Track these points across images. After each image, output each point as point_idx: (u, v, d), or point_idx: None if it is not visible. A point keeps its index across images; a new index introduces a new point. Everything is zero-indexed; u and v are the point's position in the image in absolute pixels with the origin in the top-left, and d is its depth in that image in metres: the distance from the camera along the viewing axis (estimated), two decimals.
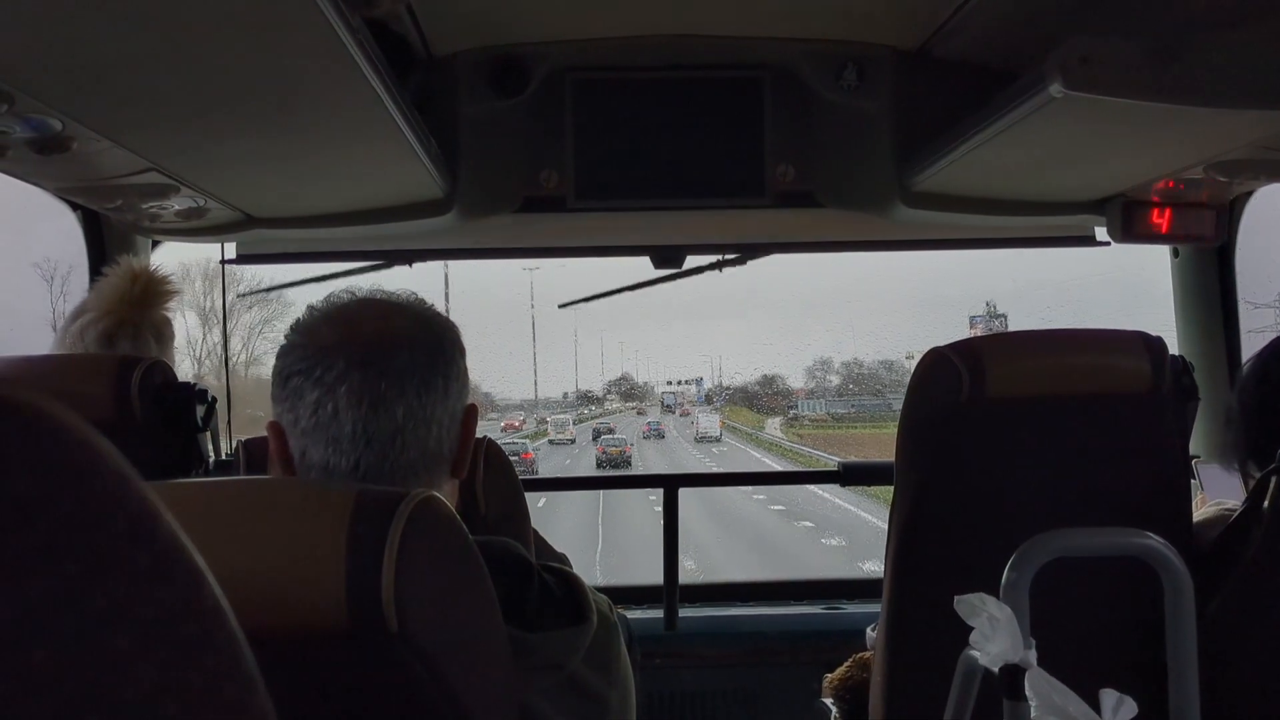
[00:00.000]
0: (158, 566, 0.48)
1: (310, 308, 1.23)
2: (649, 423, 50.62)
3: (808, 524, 20.56)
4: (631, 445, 38.01)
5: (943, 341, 1.81)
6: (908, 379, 1.88)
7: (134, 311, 2.14)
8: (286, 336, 1.21)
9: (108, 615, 0.45)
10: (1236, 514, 1.76)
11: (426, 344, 1.20)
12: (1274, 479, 1.65)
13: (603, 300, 3.35)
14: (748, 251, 3.24)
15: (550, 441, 42.72)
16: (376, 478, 1.16)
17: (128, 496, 0.47)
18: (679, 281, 3.15)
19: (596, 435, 40.98)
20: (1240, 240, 2.81)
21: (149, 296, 2.17)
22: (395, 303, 1.25)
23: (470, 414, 1.25)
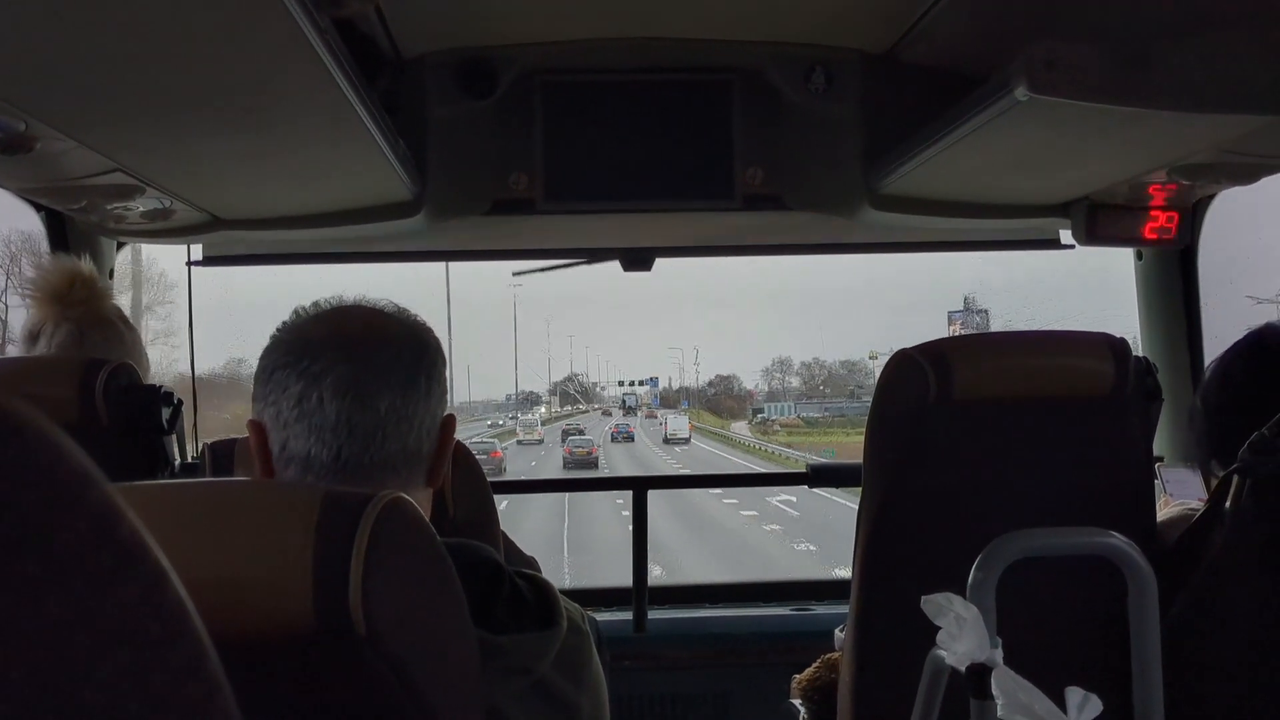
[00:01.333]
0: (119, 566, 0.47)
1: (297, 310, 1.26)
2: (616, 425, 49.78)
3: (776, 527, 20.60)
4: (599, 446, 37.82)
5: (909, 342, 1.82)
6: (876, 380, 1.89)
7: (78, 311, 2.12)
8: (272, 336, 1.23)
9: (68, 614, 0.44)
10: (1199, 514, 1.78)
11: (411, 345, 1.23)
12: (1235, 479, 1.67)
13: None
14: (717, 253, 3.25)
15: (519, 442, 42.62)
16: (356, 469, 1.16)
17: (89, 496, 0.47)
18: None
19: (565, 436, 40.69)
20: (1203, 243, 2.84)
21: (91, 297, 2.15)
22: (380, 308, 1.27)
23: (449, 423, 1.27)
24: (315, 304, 1.26)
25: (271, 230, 2.69)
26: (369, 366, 1.18)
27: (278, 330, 1.23)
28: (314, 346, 1.18)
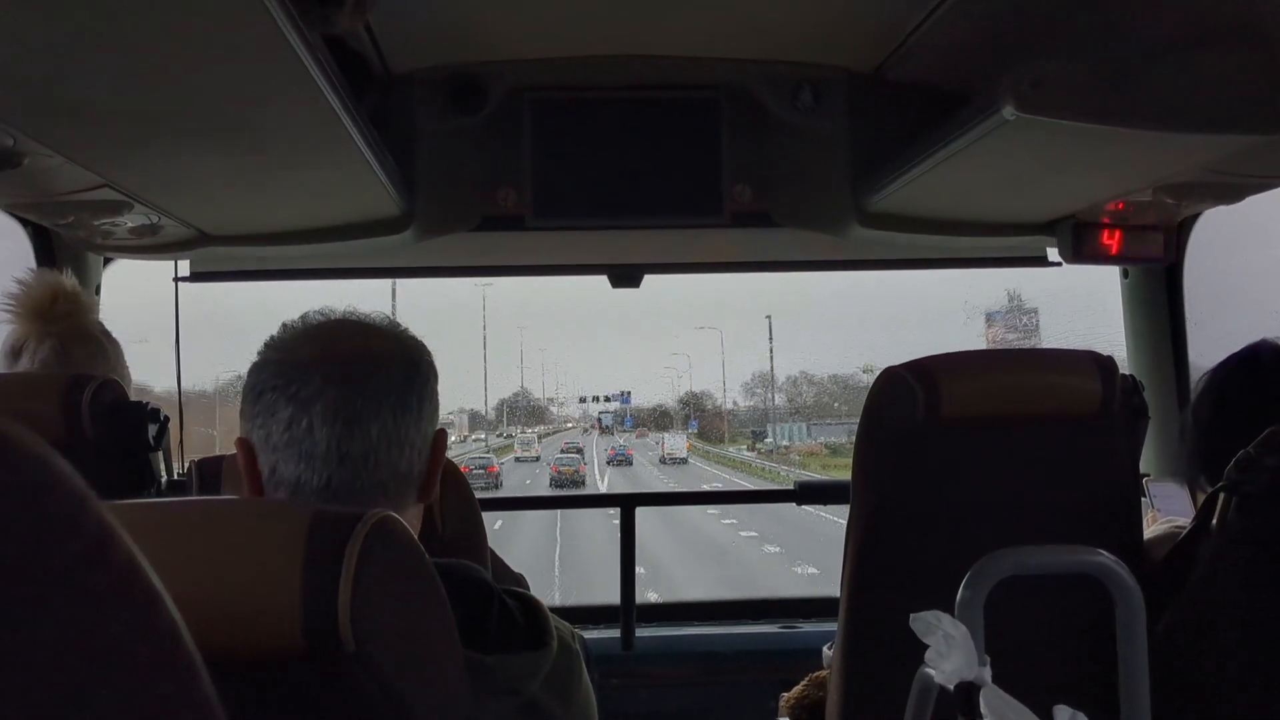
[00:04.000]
0: (113, 588, 0.47)
1: (285, 325, 1.23)
2: (613, 447, 45.91)
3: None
4: (585, 465, 37.15)
5: (904, 355, 1.83)
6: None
7: (61, 326, 2.11)
8: (260, 353, 1.20)
9: (62, 637, 0.44)
10: (1186, 531, 1.79)
11: (403, 365, 1.20)
12: (1222, 496, 1.67)
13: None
14: (705, 270, 3.26)
15: (516, 459, 42.37)
16: (347, 496, 1.15)
17: (85, 517, 0.47)
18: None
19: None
20: (1188, 261, 2.86)
21: (74, 311, 2.14)
22: (372, 323, 1.25)
23: (440, 439, 1.25)
24: (304, 317, 1.24)
25: (259, 246, 2.68)
26: (360, 390, 1.15)
27: (265, 345, 1.21)
28: (303, 369, 1.15)
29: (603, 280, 3.11)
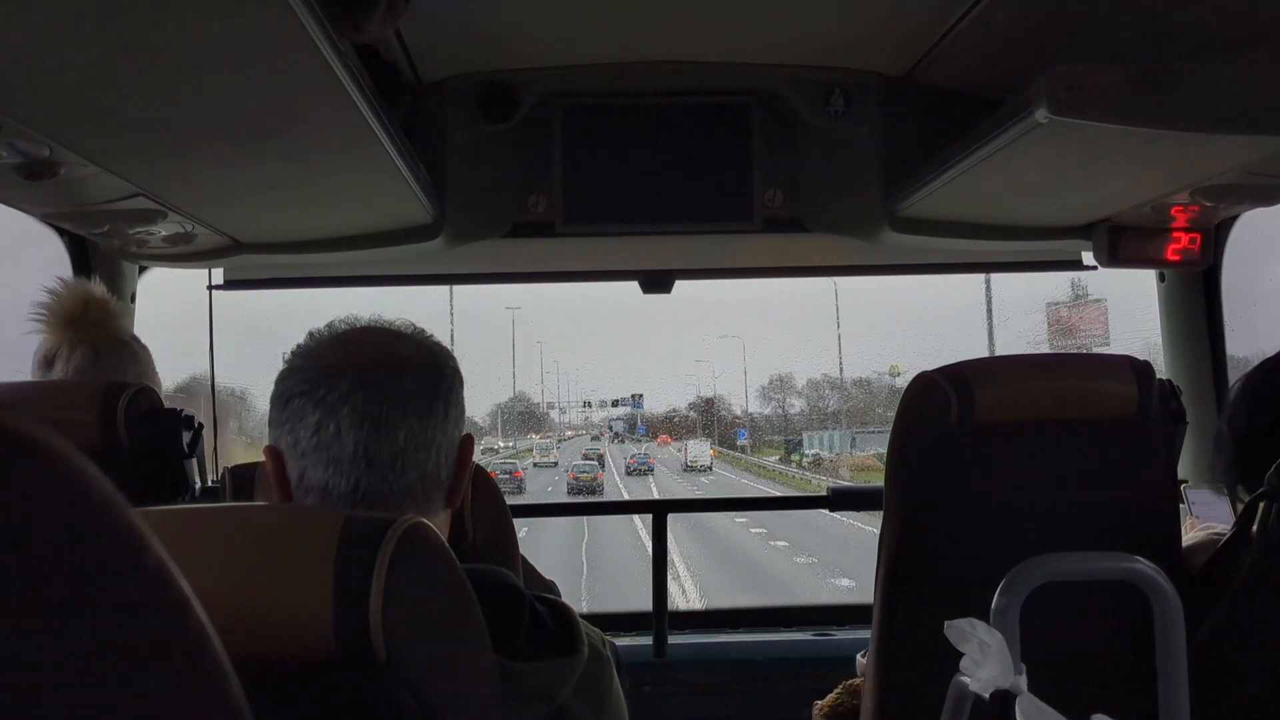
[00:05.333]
0: (144, 594, 0.47)
1: (311, 333, 1.24)
2: (633, 455, 43.17)
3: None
4: (602, 472, 36.45)
5: (936, 354, 1.81)
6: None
7: (93, 334, 2.13)
8: (287, 360, 1.21)
9: (93, 642, 0.44)
10: (1225, 538, 1.77)
11: (429, 370, 1.22)
12: (1262, 503, 1.65)
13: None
14: (736, 275, 3.25)
15: (534, 464, 42.29)
16: (375, 499, 1.16)
17: (114, 523, 0.47)
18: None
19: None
20: (1226, 264, 2.83)
21: (106, 319, 2.16)
22: (397, 330, 1.26)
23: (467, 444, 1.26)
24: (330, 325, 1.25)
25: (292, 254, 2.70)
26: (386, 395, 1.17)
27: (292, 353, 1.22)
28: (330, 374, 1.17)
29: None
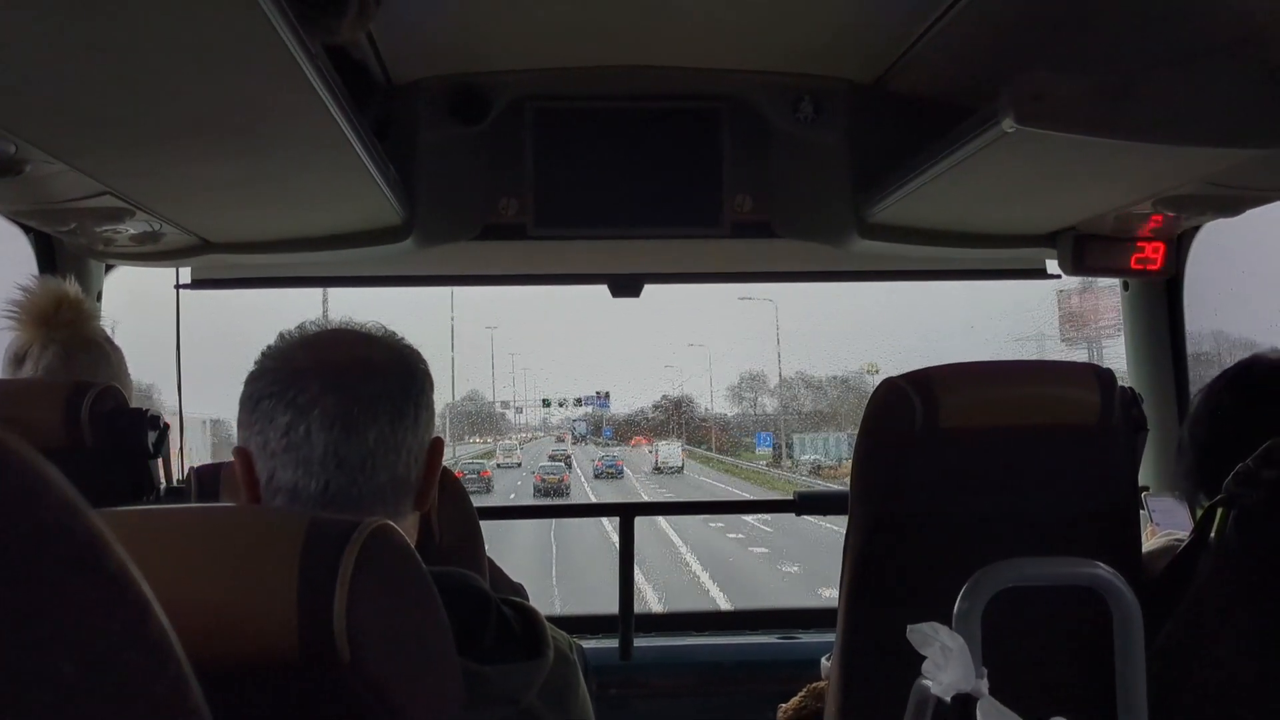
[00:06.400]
0: (105, 595, 0.47)
1: (281, 335, 1.24)
2: (600, 458, 41.52)
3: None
4: (569, 474, 36.09)
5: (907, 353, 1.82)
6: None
7: (65, 333, 2.11)
8: (257, 362, 1.21)
9: (53, 644, 0.44)
10: (1184, 544, 1.79)
11: (399, 373, 1.22)
12: (1220, 510, 1.67)
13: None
14: (705, 280, 3.26)
15: (498, 465, 42.02)
16: (344, 501, 1.16)
17: (75, 524, 0.47)
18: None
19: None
20: (1188, 273, 2.86)
21: (78, 318, 2.14)
22: (367, 333, 1.26)
23: (436, 446, 1.26)
24: (300, 327, 1.25)
25: (261, 254, 2.69)
26: (357, 397, 1.17)
27: (262, 355, 1.22)
28: (301, 376, 1.17)
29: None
